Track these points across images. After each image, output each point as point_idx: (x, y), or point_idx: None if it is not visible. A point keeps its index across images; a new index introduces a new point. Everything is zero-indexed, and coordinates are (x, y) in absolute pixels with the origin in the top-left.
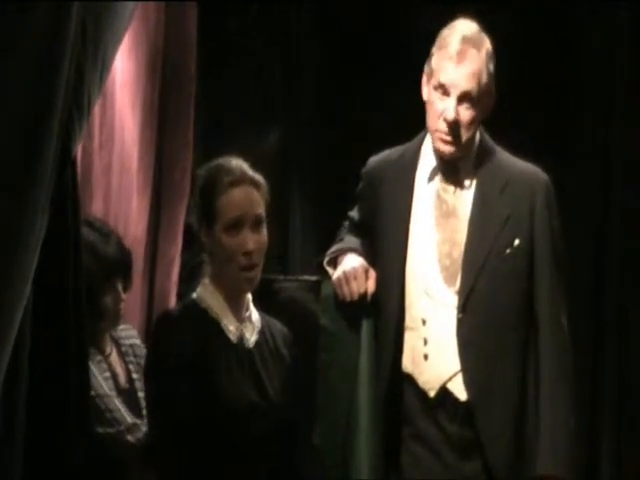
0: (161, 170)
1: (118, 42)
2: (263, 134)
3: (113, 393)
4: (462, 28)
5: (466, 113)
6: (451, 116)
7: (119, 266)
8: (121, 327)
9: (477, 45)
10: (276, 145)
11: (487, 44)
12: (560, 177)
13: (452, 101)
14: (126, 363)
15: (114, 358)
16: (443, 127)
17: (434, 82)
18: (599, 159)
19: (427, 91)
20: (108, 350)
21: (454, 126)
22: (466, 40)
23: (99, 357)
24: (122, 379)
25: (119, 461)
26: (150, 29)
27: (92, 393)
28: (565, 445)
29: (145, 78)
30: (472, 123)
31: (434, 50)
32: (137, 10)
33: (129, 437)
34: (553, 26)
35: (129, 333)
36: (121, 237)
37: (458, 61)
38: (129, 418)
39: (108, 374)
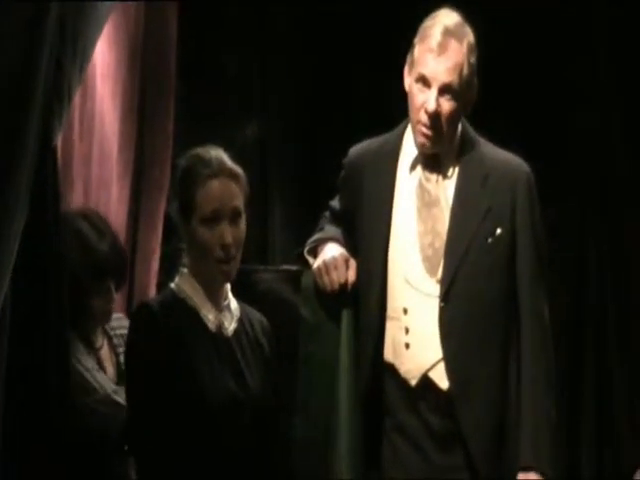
0: (141, 161)
1: (98, 33)
2: (243, 125)
3: (95, 367)
4: (444, 20)
5: (447, 105)
6: (432, 107)
7: (112, 265)
8: (113, 316)
9: (459, 37)
10: (256, 136)
11: (469, 36)
12: (543, 171)
13: (433, 93)
14: (117, 355)
15: (105, 352)
16: (424, 119)
17: (415, 74)
18: (582, 157)
19: (408, 82)
20: (99, 343)
21: (435, 118)
22: (448, 32)
23: (88, 350)
24: (110, 374)
25: (103, 429)
26: (130, 21)
27: (79, 368)
28: (546, 438)
29: (125, 69)
30: (453, 115)
31: (415, 41)
32: (117, 2)
33: (116, 397)
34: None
35: (121, 323)
36: (117, 235)
37: (439, 53)
38: (113, 385)
39: (96, 368)
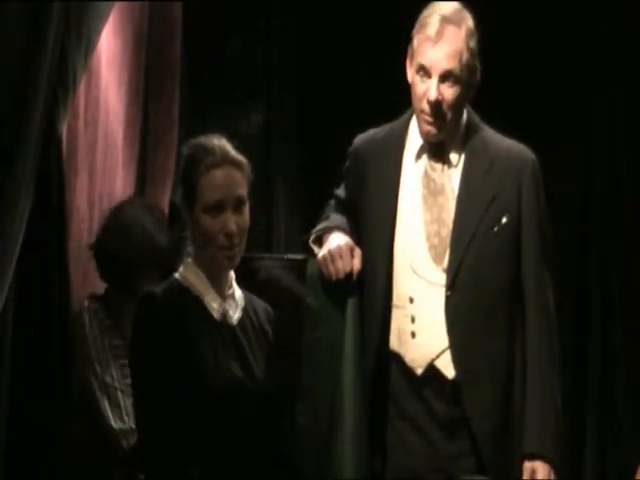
0: (146, 148)
1: (103, 21)
2: (248, 112)
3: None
4: (441, 8)
5: (449, 92)
6: (433, 96)
7: (165, 258)
8: None
9: (457, 23)
10: (261, 123)
11: (468, 22)
12: (543, 158)
13: (434, 81)
14: None
15: None
16: (427, 108)
17: (415, 64)
18: (582, 141)
19: (410, 74)
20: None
21: (437, 106)
22: (445, 19)
23: (118, 342)
24: None
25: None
26: (135, 9)
27: (112, 383)
28: (552, 424)
29: (130, 57)
30: (456, 102)
31: (414, 32)
32: None
33: (123, 442)
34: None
35: None
36: None
37: (437, 41)
38: (131, 421)
39: (124, 361)
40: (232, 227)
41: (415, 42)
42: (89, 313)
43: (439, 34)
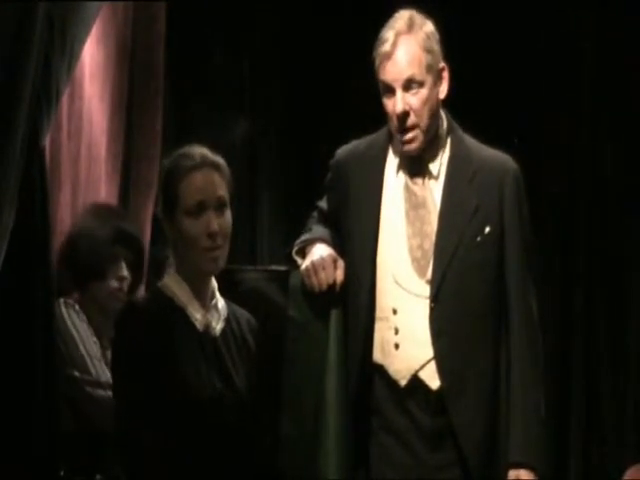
0: (129, 160)
1: (86, 33)
2: (231, 124)
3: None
4: (393, 23)
5: (415, 99)
6: (399, 108)
7: (128, 241)
8: None
9: (410, 31)
10: (244, 135)
11: (424, 26)
12: (527, 165)
13: (398, 94)
14: None
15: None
16: (398, 124)
17: (380, 85)
18: (566, 145)
19: (382, 97)
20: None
21: (406, 117)
22: (398, 32)
23: (94, 339)
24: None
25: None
26: (119, 20)
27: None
28: (536, 433)
29: (114, 69)
30: (425, 106)
31: (374, 54)
32: (106, 1)
33: (109, 391)
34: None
35: None
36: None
37: (392, 54)
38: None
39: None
40: (214, 227)
41: (376, 63)
42: (66, 307)
43: (393, 47)
